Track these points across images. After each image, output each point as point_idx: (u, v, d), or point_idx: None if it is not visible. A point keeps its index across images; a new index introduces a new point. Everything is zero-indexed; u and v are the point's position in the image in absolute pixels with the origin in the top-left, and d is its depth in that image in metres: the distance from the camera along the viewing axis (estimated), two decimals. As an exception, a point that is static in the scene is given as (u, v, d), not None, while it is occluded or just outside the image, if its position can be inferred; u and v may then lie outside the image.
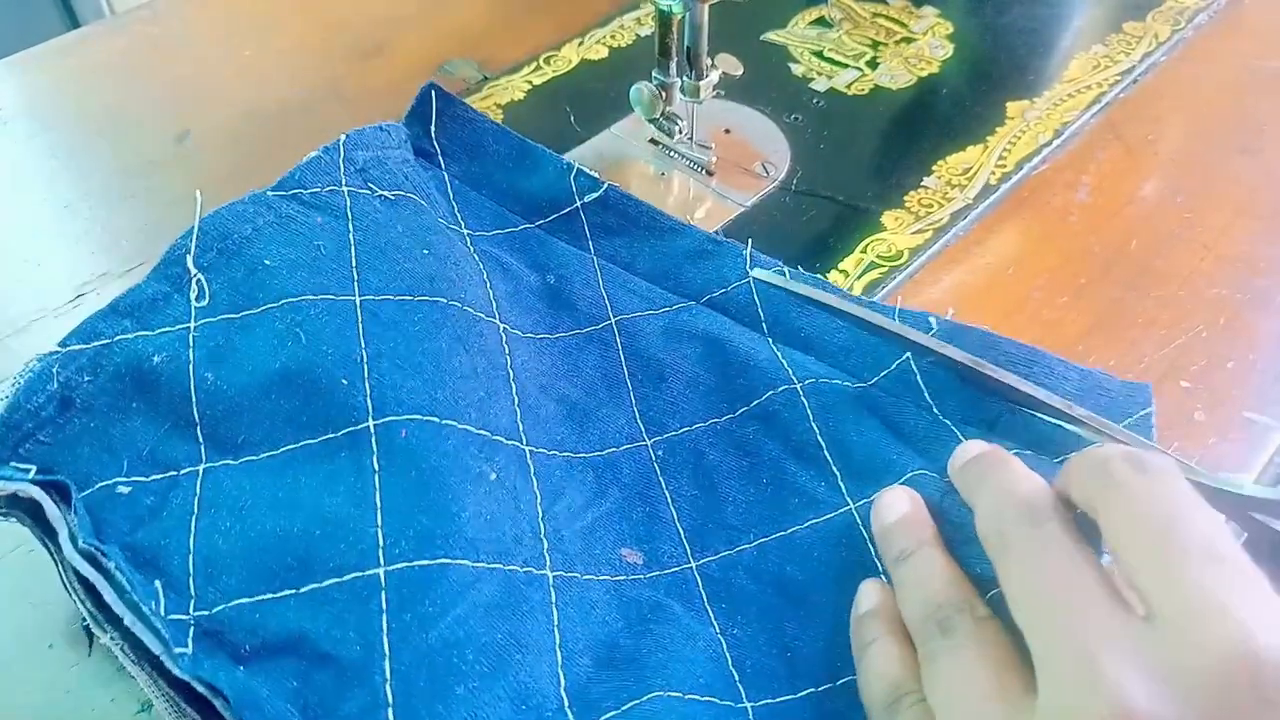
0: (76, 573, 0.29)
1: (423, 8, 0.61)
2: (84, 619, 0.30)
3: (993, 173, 0.48)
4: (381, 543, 0.30)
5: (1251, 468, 0.37)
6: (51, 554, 0.30)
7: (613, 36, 0.57)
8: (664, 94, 0.47)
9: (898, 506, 0.32)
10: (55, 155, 0.51)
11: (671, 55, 0.45)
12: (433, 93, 0.44)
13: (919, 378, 0.37)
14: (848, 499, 0.34)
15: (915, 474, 0.34)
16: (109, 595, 0.28)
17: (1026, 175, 0.48)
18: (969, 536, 0.30)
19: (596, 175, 0.43)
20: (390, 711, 0.27)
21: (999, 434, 0.35)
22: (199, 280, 0.35)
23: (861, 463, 0.35)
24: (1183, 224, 0.46)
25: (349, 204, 0.38)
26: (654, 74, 0.46)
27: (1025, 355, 0.36)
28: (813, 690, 0.30)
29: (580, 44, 0.57)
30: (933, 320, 0.38)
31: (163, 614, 0.28)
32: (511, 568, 0.31)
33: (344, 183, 0.39)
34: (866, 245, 0.45)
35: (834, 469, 0.35)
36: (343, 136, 0.40)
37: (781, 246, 0.42)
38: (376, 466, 0.31)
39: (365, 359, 0.33)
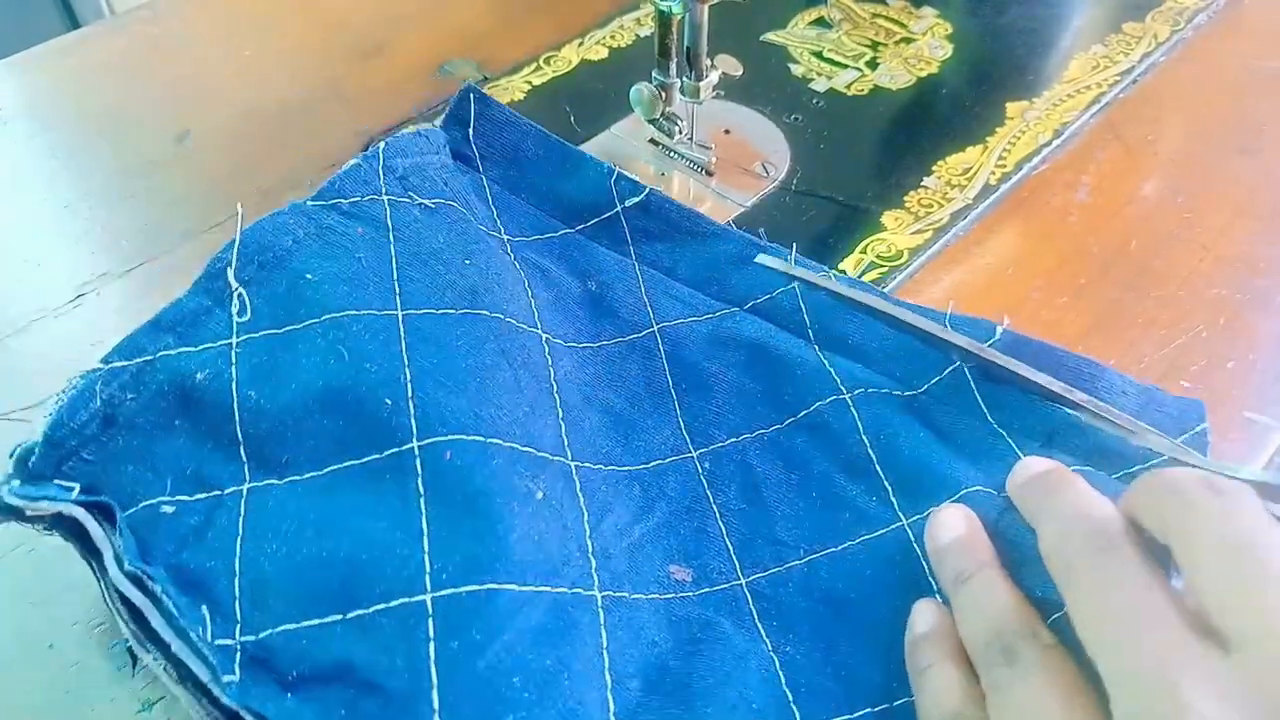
0: (121, 594, 0.29)
1: (423, 8, 0.61)
2: (126, 640, 0.30)
3: (992, 173, 0.48)
4: (428, 568, 0.29)
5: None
6: (94, 572, 0.30)
7: (612, 37, 0.57)
8: (664, 94, 0.47)
9: (953, 526, 0.31)
10: (55, 155, 0.51)
11: (671, 56, 0.45)
12: (471, 95, 0.43)
13: (973, 385, 0.35)
14: (900, 515, 0.33)
15: (970, 491, 0.33)
16: (156, 621, 0.28)
17: (1026, 175, 0.49)
18: (1028, 557, 0.29)
19: (637, 179, 0.42)
20: None
21: (1057, 447, 0.34)
22: (240, 294, 0.34)
23: (914, 477, 0.34)
24: (1182, 224, 0.46)
25: (389, 213, 0.37)
26: (654, 74, 0.46)
27: (1086, 369, 0.35)
28: (869, 710, 0.29)
29: (580, 44, 0.57)
30: (998, 329, 0.36)
31: (210, 640, 0.28)
32: (560, 589, 0.30)
33: (384, 191, 0.38)
34: (866, 245, 0.45)
35: (885, 484, 0.34)
36: (382, 144, 0.39)
37: (782, 247, 0.42)
38: (421, 490, 0.31)
39: (409, 378, 0.33)
